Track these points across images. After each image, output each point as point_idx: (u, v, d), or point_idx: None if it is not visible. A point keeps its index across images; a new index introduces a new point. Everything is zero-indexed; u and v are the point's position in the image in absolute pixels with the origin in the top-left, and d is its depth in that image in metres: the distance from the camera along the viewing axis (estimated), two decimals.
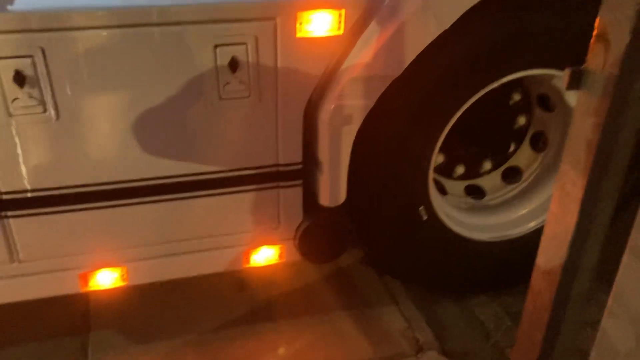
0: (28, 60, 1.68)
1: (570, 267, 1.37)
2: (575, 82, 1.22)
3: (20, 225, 1.90)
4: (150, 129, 1.87)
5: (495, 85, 2.15)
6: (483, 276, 2.60)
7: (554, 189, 1.35)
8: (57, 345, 2.36)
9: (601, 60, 1.16)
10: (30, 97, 1.72)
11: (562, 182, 1.30)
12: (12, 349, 2.34)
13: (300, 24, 1.82)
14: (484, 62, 2.07)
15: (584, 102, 1.21)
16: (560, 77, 2.20)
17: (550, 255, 1.40)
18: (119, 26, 1.71)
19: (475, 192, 2.66)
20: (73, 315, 2.51)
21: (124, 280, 2.11)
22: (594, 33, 1.18)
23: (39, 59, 1.68)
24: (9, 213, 1.88)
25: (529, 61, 2.14)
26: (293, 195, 2.14)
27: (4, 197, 1.85)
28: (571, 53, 2.07)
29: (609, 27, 1.15)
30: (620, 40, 1.13)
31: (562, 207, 1.32)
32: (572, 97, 2.37)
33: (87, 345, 2.36)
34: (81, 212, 1.93)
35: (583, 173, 1.23)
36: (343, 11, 1.85)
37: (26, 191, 1.85)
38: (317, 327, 2.46)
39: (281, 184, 2.10)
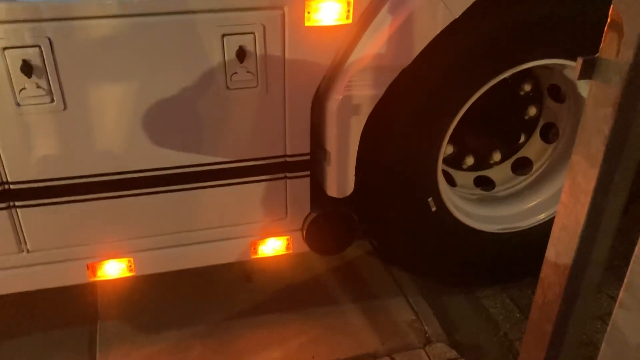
0: (35, 50, 1.67)
1: (580, 260, 1.35)
2: (588, 72, 1.19)
3: (28, 215, 1.90)
4: (157, 119, 1.86)
5: (505, 75, 2.13)
6: (492, 268, 2.58)
7: (565, 180, 1.33)
8: (65, 335, 2.37)
9: (614, 48, 1.14)
10: (38, 87, 1.72)
11: (573, 173, 1.28)
12: (20, 338, 2.36)
13: (309, 12, 1.80)
14: (494, 52, 2.05)
15: (597, 92, 1.19)
16: (572, 67, 2.20)
17: (561, 248, 1.38)
18: (126, 15, 1.70)
19: (485, 183, 2.64)
20: (81, 305, 2.52)
21: (130, 270, 2.11)
22: (607, 21, 1.15)
23: (46, 48, 1.68)
24: (17, 203, 1.88)
25: (540, 51, 2.11)
26: (301, 186, 2.13)
27: (12, 187, 1.85)
28: (583, 43, 2.05)
29: (623, 15, 1.12)
30: (634, 28, 1.11)
31: (573, 199, 1.30)
32: (584, 88, 2.34)
33: (95, 334, 2.37)
34: (89, 203, 1.93)
35: (595, 164, 1.21)
36: (352, 0, 1.83)
37: (34, 181, 1.85)
38: (324, 318, 2.46)
39: (289, 174, 2.09)
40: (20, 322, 2.44)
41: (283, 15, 1.79)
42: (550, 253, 1.42)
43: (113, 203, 1.95)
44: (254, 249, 2.21)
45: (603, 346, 1.24)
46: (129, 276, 2.13)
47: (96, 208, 1.95)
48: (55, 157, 1.84)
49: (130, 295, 2.54)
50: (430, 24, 1.88)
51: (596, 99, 1.19)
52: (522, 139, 2.59)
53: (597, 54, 1.19)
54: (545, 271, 1.45)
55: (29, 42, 1.66)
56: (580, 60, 1.19)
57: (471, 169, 2.59)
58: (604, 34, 1.17)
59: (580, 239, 1.32)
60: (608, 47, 1.16)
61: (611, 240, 1.34)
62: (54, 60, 1.70)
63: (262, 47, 1.82)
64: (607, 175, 1.22)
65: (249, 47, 1.81)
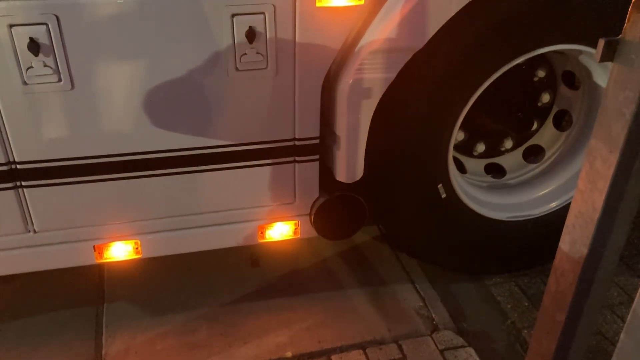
0: (42, 28, 1.65)
1: (596, 248, 1.32)
2: (610, 54, 1.16)
3: (34, 196, 1.89)
4: (165, 100, 1.84)
5: (519, 60, 2.09)
6: (501, 256, 2.56)
7: (582, 165, 1.29)
8: (72, 316, 2.37)
9: (638, 30, 1.10)
10: (45, 65, 1.70)
11: (591, 157, 1.25)
12: (28, 318, 2.36)
13: None
14: (509, 37, 2.01)
15: (618, 74, 1.15)
16: (588, 53, 2.15)
17: (576, 235, 1.35)
18: None
19: (496, 170, 2.61)
20: (88, 287, 2.52)
21: (137, 253, 2.10)
22: (632, 1, 1.11)
23: (53, 26, 1.65)
24: (24, 183, 1.87)
25: (555, 36, 2.07)
26: (309, 170, 2.11)
27: (19, 166, 1.83)
28: (600, 28, 2.01)
29: None
30: None
31: (590, 184, 1.27)
32: (599, 75, 2.30)
33: (102, 316, 2.37)
34: (95, 184, 1.92)
35: (615, 149, 1.18)
36: None
37: (40, 161, 1.84)
38: (332, 303, 2.45)
39: (297, 158, 2.06)
40: (27, 302, 2.44)
41: None
42: (565, 241, 1.39)
43: (120, 184, 1.94)
44: (262, 233, 2.19)
45: (622, 336, 1.21)
46: (135, 258, 2.12)
47: (103, 189, 1.93)
48: (62, 137, 1.83)
49: (137, 278, 2.54)
50: (445, 6, 1.85)
51: (617, 82, 1.16)
52: (535, 126, 2.55)
53: (620, 36, 1.15)
54: (559, 259, 1.42)
55: (35, 19, 1.64)
56: (602, 41, 1.15)
57: (482, 156, 2.55)
58: (627, 15, 1.13)
59: (596, 227, 1.29)
60: (632, 28, 1.12)
61: (628, 228, 1.31)
62: (62, 38, 1.67)
63: (272, 27, 1.79)
64: (628, 160, 1.18)
65: (259, 28, 1.78)
